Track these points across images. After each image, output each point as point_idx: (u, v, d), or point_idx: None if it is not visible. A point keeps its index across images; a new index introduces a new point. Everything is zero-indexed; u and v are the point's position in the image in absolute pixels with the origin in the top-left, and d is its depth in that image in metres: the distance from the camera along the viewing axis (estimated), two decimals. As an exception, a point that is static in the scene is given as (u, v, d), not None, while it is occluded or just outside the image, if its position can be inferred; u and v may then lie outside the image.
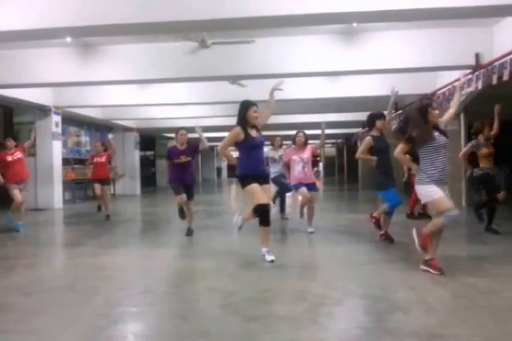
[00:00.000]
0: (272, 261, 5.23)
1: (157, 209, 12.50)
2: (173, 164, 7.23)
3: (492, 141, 6.90)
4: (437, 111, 4.64)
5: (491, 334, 3.09)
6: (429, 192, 4.60)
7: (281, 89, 5.61)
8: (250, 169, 5.35)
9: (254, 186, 5.25)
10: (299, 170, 7.32)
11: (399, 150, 4.81)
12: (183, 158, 7.16)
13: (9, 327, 3.36)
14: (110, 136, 15.86)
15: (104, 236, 7.77)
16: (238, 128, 5.30)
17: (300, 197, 7.51)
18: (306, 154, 7.41)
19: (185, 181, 7.23)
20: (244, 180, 5.32)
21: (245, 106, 5.36)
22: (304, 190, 7.24)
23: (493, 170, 6.90)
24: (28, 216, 8.63)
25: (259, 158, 5.45)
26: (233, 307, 3.75)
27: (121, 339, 3.21)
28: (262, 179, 5.36)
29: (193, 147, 7.39)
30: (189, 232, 7.39)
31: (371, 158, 6.23)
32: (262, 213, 5.28)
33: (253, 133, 5.35)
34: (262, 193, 5.27)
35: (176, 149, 7.35)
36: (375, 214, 6.48)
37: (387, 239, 6.37)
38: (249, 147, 5.34)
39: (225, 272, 5.00)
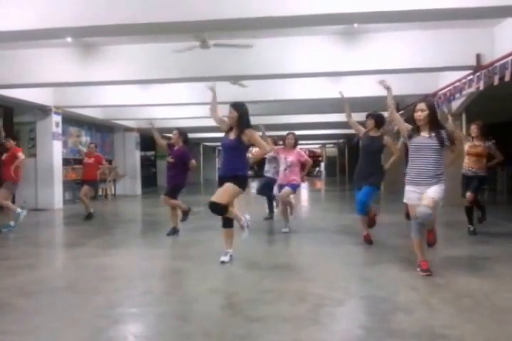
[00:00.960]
0: (222, 262, 5.22)
1: (158, 210, 12.45)
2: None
3: (477, 141, 6.92)
4: (420, 113, 4.54)
5: (494, 334, 3.08)
6: (405, 194, 4.71)
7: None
8: (219, 171, 5.50)
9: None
10: (281, 171, 7.60)
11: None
12: (169, 159, 7.35)
13: (9, 327, 3.34)
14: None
15: (105, 236, 7.76)
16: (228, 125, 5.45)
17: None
18: (292, 157, 7.51)
19: (168, 181, 7.42)
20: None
21: None
22: (279, 194, 7.63)
23: (472, 170, 6.89)
24: (27, 216, 8.62)
25: (224, 159, 5.38)
26: (234, 308, 3.75)
27: (122, 340, 3.20)
28: (227, 180, 5.20)
29: (182, 154, 7.34)
30: (172, 230, 7.39)
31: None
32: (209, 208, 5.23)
33: (231, 134, 5.35)
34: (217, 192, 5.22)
35: (171, 149, 7.50)
36: (364, 234, 6.38)
37: (367, 240, 6.35)
38: (222, 147, 5.51)
39: (226, 273, 4.99)
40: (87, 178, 9.84)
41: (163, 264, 5.53)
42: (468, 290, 4.08)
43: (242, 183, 5.23)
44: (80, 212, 10.71)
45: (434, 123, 4.59)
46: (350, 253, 5.85)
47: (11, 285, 4.54)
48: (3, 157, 8.29)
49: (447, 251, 5.81)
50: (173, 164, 7.30)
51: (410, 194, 4.64)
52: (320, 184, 27.08)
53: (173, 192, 7.36)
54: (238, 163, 5.25)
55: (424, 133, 4.58)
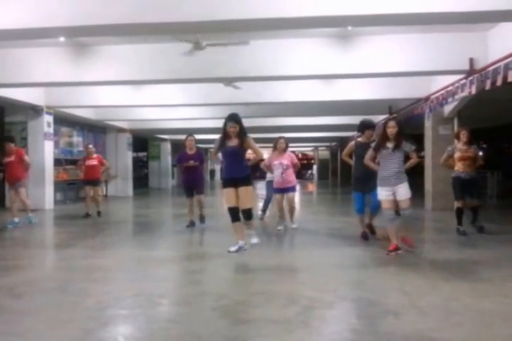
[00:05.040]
0: (257, 243, 6.17)
1: (150, 211, 12.45)
2: (183, 167, 8.23)
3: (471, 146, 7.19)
4: (392, 129, 5.63)
5: (482, 338, 3.09)
6: (379, 193, 5.84)
7: None
8: (224, 174, 6.22)
9: (226, 190, 6.04)
10: (277, 175, 7.76)
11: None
12: (192, 163, 8.07)
13: (-2, 328, 3.32)
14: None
15: (96, 237, 7.72)
16: (219, 137, 6.10)
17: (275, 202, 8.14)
18: (286, 160, 7.79)
19: (194, 182, 8.19)
20: (222, 183, 6.20)
21: (224, 122, 5.95)
22: (277, 196, 7.99)
23: (467, 173, 7.11)
24: (20, 215, 8.64)
25: (228, 163, 6.05)
26: (224, 310, 3.74)
27: (111, 342, 3.18)
28: (235, 182, 5.95)
29: (201, 155, 8.47)
30: (202, 219, 8.40)
31: (350, 163, 7.06)
32: (230, 212, 6.04)
33: (231, 142, 5.92)
34: (231, 196, 5.97)
35: (186, 154, 8.26)
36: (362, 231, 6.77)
37: (363, 237, 6.73)
38: (222, 155, 6.14)
39: (217, 275, 4.98)
40: (93, 178, 10.48)
41: (153, 266, 5.50)
42: (457, 293, 4.10)
43: (251, 181, 6.09)
44: (70, 212, 10.70)
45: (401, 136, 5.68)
46: (341, 256, 5.86)
47: (0, 286, 4.51)
48: (11, 159, 8.50)
49: (436, 254, 5.83)
50: (195, 167, 8.11)
51: (383, 192, 5.69)
52: (312, 187, 27.11)
53: (202, 190, 8.40)
54: (243, 165, 6.06)
55: (390, 145, 5.68)
